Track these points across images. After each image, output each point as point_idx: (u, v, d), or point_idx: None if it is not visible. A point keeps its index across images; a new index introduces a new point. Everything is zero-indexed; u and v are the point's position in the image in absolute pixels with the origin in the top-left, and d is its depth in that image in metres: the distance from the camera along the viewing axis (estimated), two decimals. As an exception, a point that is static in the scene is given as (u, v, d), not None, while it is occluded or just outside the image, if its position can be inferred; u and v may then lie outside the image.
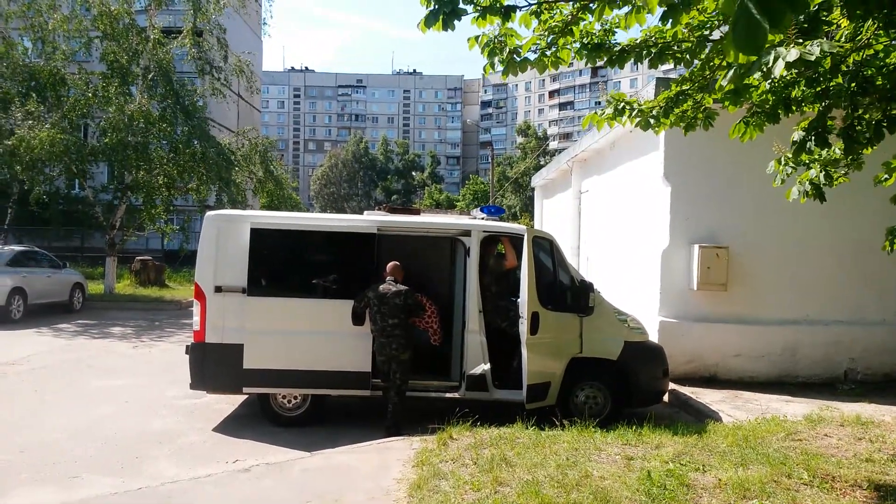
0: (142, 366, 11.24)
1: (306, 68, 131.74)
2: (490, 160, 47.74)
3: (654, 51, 5.20)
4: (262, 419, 7.73)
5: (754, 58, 3.25)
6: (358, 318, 7.48)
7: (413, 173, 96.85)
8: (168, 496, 5.45)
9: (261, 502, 5.28)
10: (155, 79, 21.14)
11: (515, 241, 7.95)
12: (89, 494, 5.53)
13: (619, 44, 5.30)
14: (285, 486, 5.57)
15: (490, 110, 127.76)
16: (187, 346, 7.66)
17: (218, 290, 7.51)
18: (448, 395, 7.74)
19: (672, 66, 5.52)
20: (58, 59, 20.40)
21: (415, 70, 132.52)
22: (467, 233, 7.90)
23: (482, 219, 8.50)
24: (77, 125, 21.06)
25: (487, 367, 7.58)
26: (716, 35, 5.19)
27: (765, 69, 3.49)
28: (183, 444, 7.08)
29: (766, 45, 3.04)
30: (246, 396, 8.29)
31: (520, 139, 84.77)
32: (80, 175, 21.45)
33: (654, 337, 9.26)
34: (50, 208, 24.09)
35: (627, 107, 5.67)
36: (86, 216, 26.78)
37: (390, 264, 7.61)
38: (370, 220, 8.04)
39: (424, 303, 8.04)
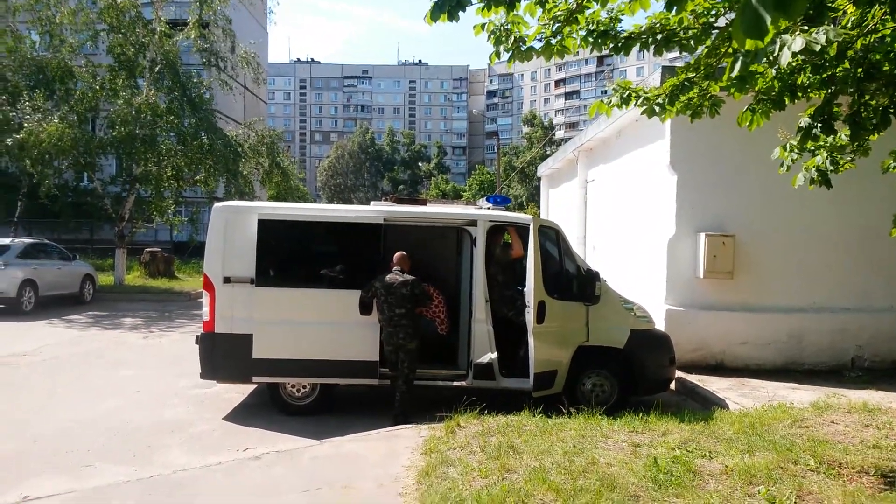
0: (152, 356, 11.35)
1: (312, 59, 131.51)
2: (496, 150, 47.65)
3: (659, 38, 5.19)
4: (271, 408, 7.80)
5: (761, 45, 3.25)
6: (365, 308, 7.52)
7: (419, 164, 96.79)
8: (179, 484, 5.52)
9: (271, 489, 5.34)
10: (161, 71, 21.20)
11: (521, 230, 7.96)
12: (101, 483, 5.61)
13: (624, 31, 5.29)
14: (295, 474, 5.64)
15: (496, 100, 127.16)
16: (197, 337, 7.74)
17: (227, 280, 7.57)
18: (455, 383, 7.78)
19: (678, 53, 5.51)
20: (65, 53, 20.43)
21: (420, 60, 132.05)
22: (473, 223, 7.92)
23: (488, 209, 8.50)
24: (85, 118, 21.12)
25: (494, 355, 7.62)
26: (721, 22, 5.18)
27: (771, 58, 3.49)
28: (193, 433, 7.17)
29: (772, 33, 3.04)
30: (255, 386, 8.37)
31: (526, 129, 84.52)
32: (89, 167, 21.55)
33: (660, 325, 9.28)
34: (59, 201, 24.18)
35: (633, 94, 5.66)
36: (95, 208, 26.88)
37: (397, 254, 7.64)
38: (377, 210, 8.06)
39: (431, 292, 8.08)
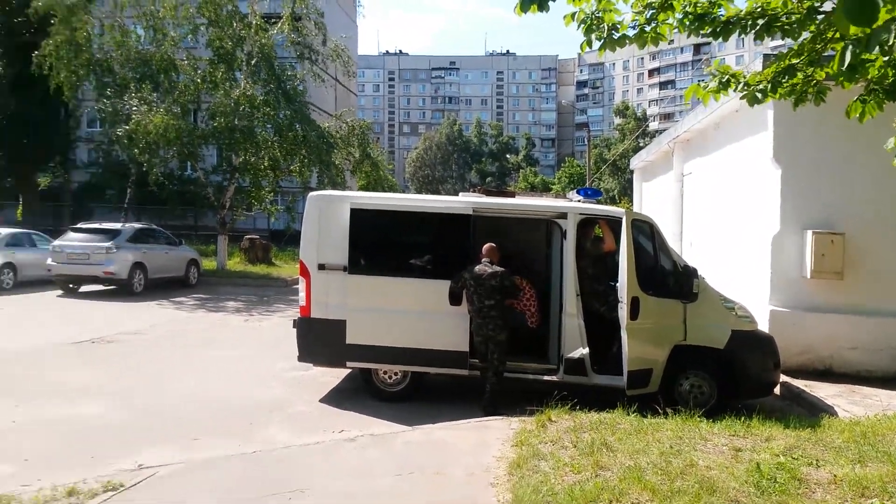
0: (253, 338, 11.90)
1: (400, 51, 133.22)
2: (586, 142, 46.79)
3: (760, 22, 4.91)
4: (364, 393, 8.01)
5: (868, 30, 3.01)
6: (455, 299, 7.57)
7: (507, 156, 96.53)
8: (280, 460, 5.76)
9: (365, 471, 5.49)
10: (258, 64, 21.87)
11: (613, 223, 7.80)
12: (209, 455, 5.93)
13: (723, 15, 5.05)
14: (388, 457, 5.78)
15: (586, 90, 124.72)
16: (294, 321, 8.03)
17: (321, 267, 7.80)
18: (546, 378, 7.72)
19: (781, 39, 5.21)
20: (168, 46, 21.28)
21: (508, 51, 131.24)
22: (563, 215, 7.81)
23: (579, 201, 8.37)
24: (187, 110, 22.03)
25: (586, 351, 7.51)
26: (827, 6, 4.85)
27: (885, 47, 3.23)
28: (292, 413, 7.46)
29: (883, 19, 2.80)
30: (349, 370, 8.58)
31: (617, 120, 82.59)
32: (192, 157, 22.54)
33: (763, 327, 8.85)
34: (166, 188, 25.39)
35: (732, 79, 5.39)
36: (198, 196, 28.18)
37: (486, 246, 7.63)
38: (466, 201, 8.09)
39: (522, 285, 8.04)
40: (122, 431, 6.64)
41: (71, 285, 17.16)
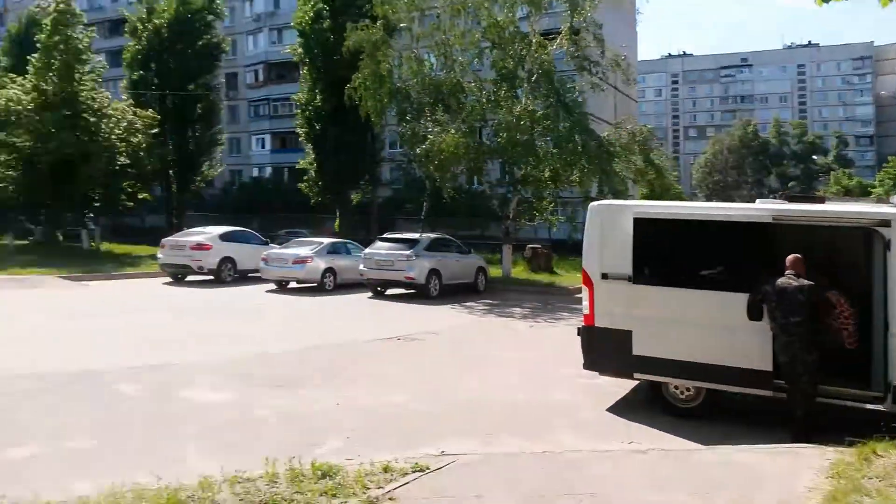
0: (540, 344, 12.35)
1: (684, 53, 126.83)
2: (915, 136, 39.75)
3: None
4: (652, 406, 7.82)
5: None
6: (754, 313, 7.00)
7: (814, 157, 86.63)
8: (569, 463, 5.88)
9: (658, 486, 5.34)
10: (538, 80, 22.57)
11: (955, 232, 6.54)
12: (501, 450, 6.33)
13: None
14: (682, 475, 5.56)
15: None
16: (579, 329, 8.13)
17: (604, 277, 7.78)
18: (869, 406, 6.73)
19: None
20: (457, 71, 23.06)
21: (810, 42, 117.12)
22: (886, 223, 6.77)
23: (906, 207, 7.17)
24: (474, 128, 23.56)
25: (921, 378, 6.40)
26: None
27: None
28: (578, 418, 7.58)
29: None
30: (637, 382, 8.43)
31: (956, 109, 68.94)
32: (478, 172, 24.11)
33: None
34: (455, 201, 27.52)
35: None
36: (483, 208, 30.08)
37: (790, 257, 6.93)
38: (764, 208, 7.49)
39: (837, 301, 7.12)
40: (424, 420, 7.38)
41: (379, 288, 19.41)
